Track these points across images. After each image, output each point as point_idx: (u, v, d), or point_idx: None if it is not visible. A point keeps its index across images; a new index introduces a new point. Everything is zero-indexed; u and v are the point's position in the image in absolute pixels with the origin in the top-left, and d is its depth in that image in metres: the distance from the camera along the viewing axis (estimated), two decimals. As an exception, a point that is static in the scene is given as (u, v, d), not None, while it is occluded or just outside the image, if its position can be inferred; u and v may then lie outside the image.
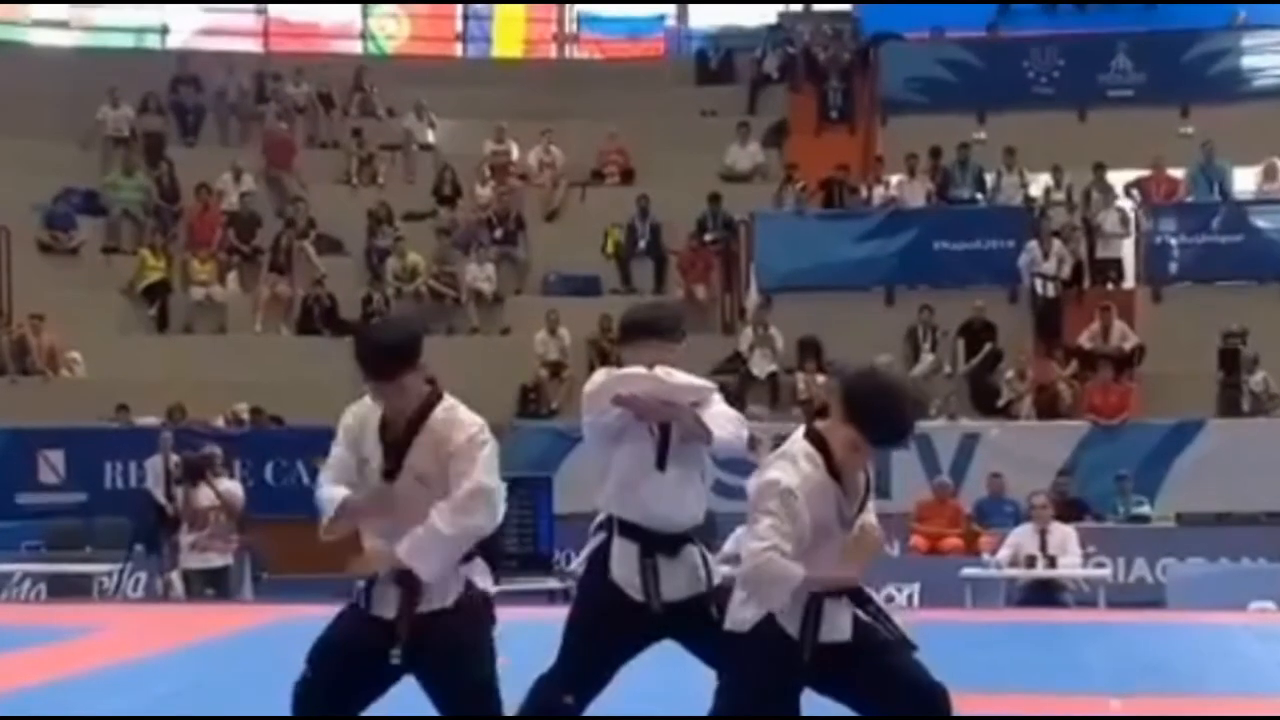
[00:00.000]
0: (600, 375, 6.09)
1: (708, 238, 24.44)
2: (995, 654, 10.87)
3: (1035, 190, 24.56)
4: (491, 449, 5.61)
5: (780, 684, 5.31)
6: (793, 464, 5.36)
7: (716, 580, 5.91)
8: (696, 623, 5.77)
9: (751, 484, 5.40)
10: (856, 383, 5.47)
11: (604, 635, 5.90)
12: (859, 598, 5.50)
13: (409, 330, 5.83)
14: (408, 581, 5.60)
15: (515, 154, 26.62)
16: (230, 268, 24.69)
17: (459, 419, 5.67)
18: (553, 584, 15.50)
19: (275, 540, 18.46)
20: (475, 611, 5.64)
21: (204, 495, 15.48)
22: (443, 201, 25.82)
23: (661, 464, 5.91)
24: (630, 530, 5.90)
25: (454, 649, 5.55)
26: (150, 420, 21.37)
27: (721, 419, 5.92)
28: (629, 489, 5.90)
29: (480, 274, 24.24)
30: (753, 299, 23.40)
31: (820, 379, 21.93)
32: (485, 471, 5.56)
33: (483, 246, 24.67)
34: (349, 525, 5.72)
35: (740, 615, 5.33)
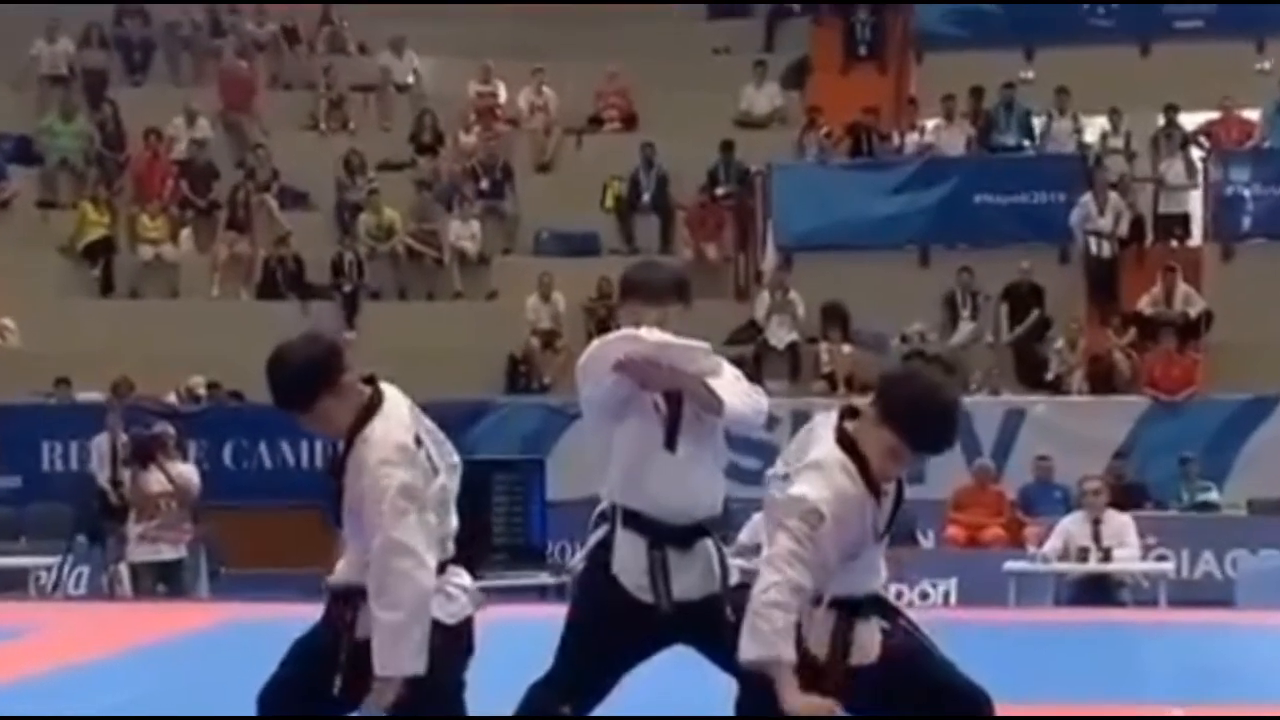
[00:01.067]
0: (595, 344, 6.06)
1: (720, 191, 24.42)
2: (1042, 658, 10.89)
3: (1090, 136, 24.52)
4: (398, 490, 5.46)
5: None
6: (825, 477, 5.33)
7: (734, 578, 5.89)
8: (711, 625, 5.75)
9: (776, 495, 5.39)
10: (896, 384, 5.44)
11: (606, 639, 5.89)
12: (884, 609, 5.52)
13: (318, 349, 5.67)
14: (346, 601, 5.62)
15: (503, 96, 26.59)
16: (183, 224, 24.70)
17: (369, 450, 5.54)
18: (546, 579, 15.54)
19: (234, 531, 18.50)
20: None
21: (154, 480, 15.50)
22: (422, 150, 25.80)
23: (671, 443, 5.87)
24: (636, 520, 5.87)
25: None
26: (93, 395, 21.38)
27: (736, 389, 5.88)
28: (634, 473, 5.86)
29: (464, 231, 24.23)
30: (770, 260, 23.38)
31: (846, 350, 21.96)
32: (392, 520, 5.44)
33: (467, 201, 24.65)
34: None
35: (746, 652, 5.34)
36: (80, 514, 18.08)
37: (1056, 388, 21.36)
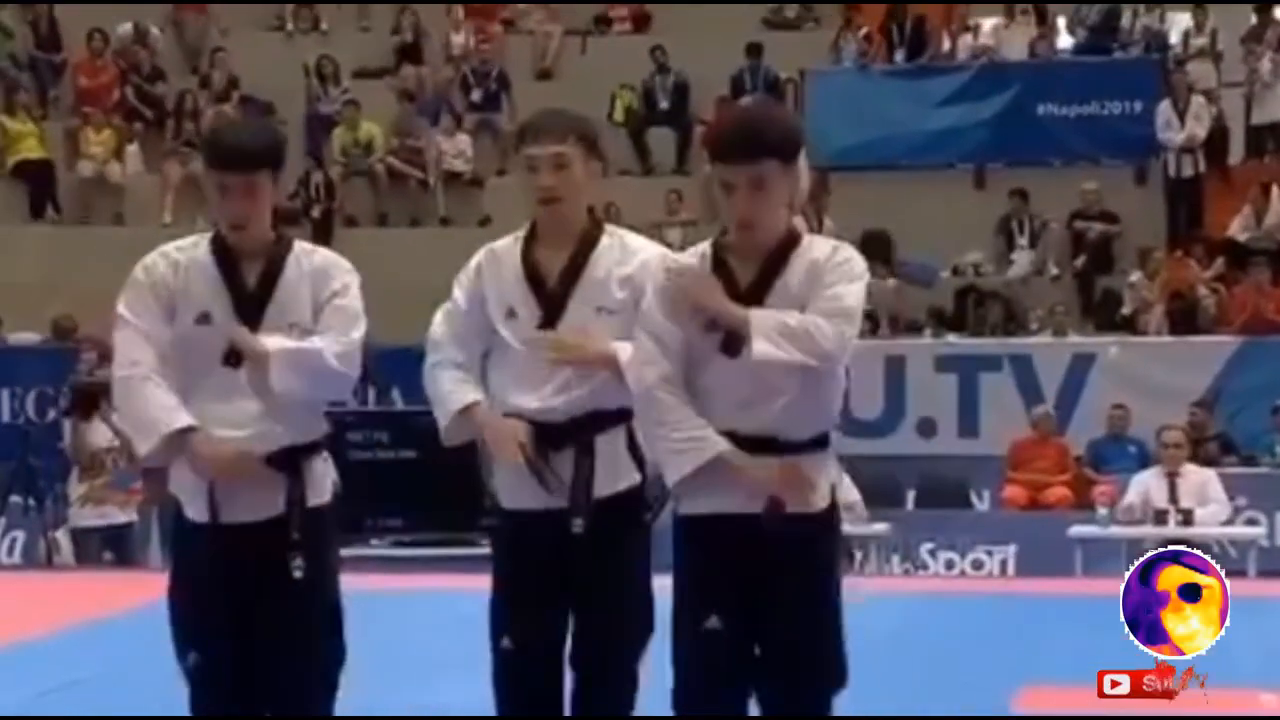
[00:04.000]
0: None
1: (745, 101, 24.36)
2: (1112, 635, 10.89)
3: (1174, 35, 24.36)
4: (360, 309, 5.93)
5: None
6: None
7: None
8: None
9: None
10: None
11: None
12: None
13: (275, 129, 6.27)
14: (292, 467, 5.79)
15: (497, -8, 26.56)
16: (130, 139, 24.67)
17: (327, 256, 5.98)
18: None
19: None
20: (336, 515, 5.94)
21: (99, 432, 15.54)
22: (405, 55, 25.76)
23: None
24: None
25: (328, 557, 5.86)
26: (28, 336, 21.43)
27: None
28: None
29: (452, 148, 24.22)
30: (803, 180, 23.31)
31: (891, 283, 21.94)
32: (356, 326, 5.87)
33: (456, 113, 24.62)
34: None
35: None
36: (16, 471, 18.10)
37: (1131, 327, 21.34)
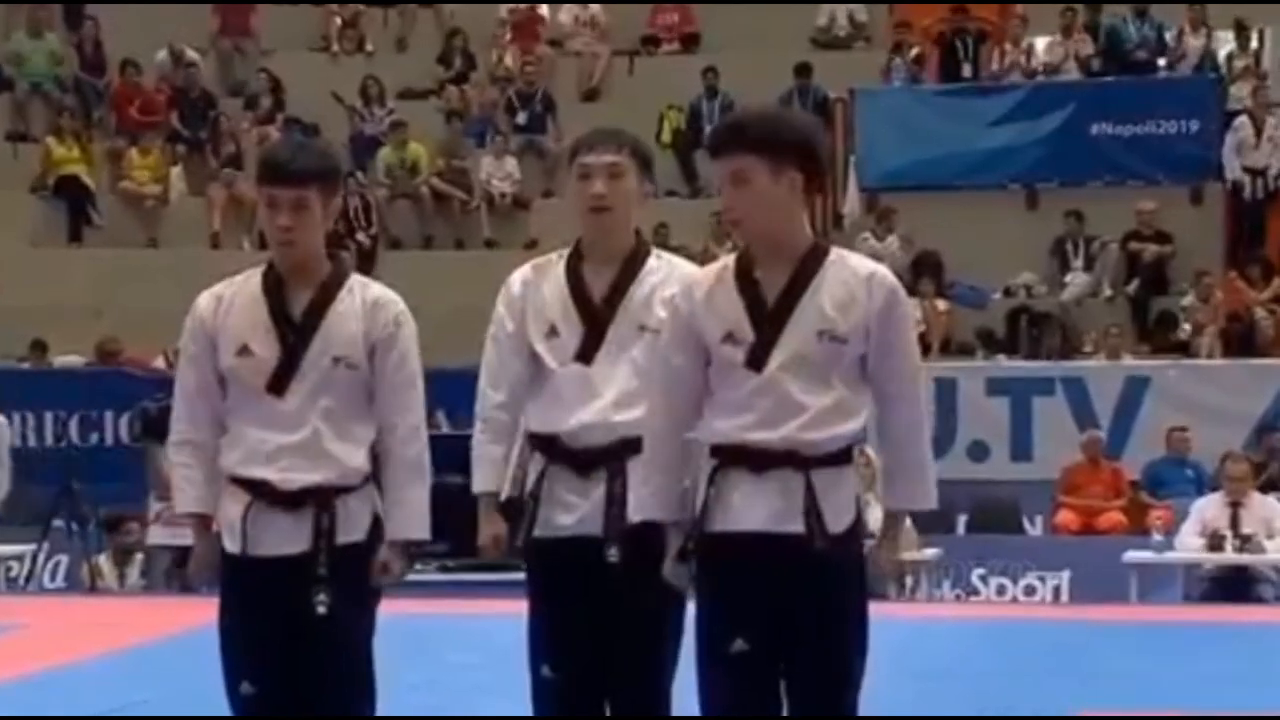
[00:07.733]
0: None
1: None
2: (1168, 663, 10.86)
3: (1223, 53, 24.29)
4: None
5: None
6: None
7: None
8: None
9: None
10: None
11: None
12: None
13: (330, 152, 6.22)
14: (323, 503, 5.79)
15: (545, 12, 26.57)
16: (175, 161, 24.79)
17: (389, 299, 5.93)
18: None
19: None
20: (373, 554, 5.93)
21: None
22: (450, 75, 25.82)
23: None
24: None
25: (359, 595, 5.81)
26: (73, 359, 21.49)
27: None
28: None
29: (498, 170, 24.26)
30: (852, 201, 23.32)
31: (941, 305, 21.90)
32: (418, 395, 6.07)
33: (502, 134, 24.68)
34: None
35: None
36: (58, 496, 18.19)
37: (1186, 350, 21.26)
